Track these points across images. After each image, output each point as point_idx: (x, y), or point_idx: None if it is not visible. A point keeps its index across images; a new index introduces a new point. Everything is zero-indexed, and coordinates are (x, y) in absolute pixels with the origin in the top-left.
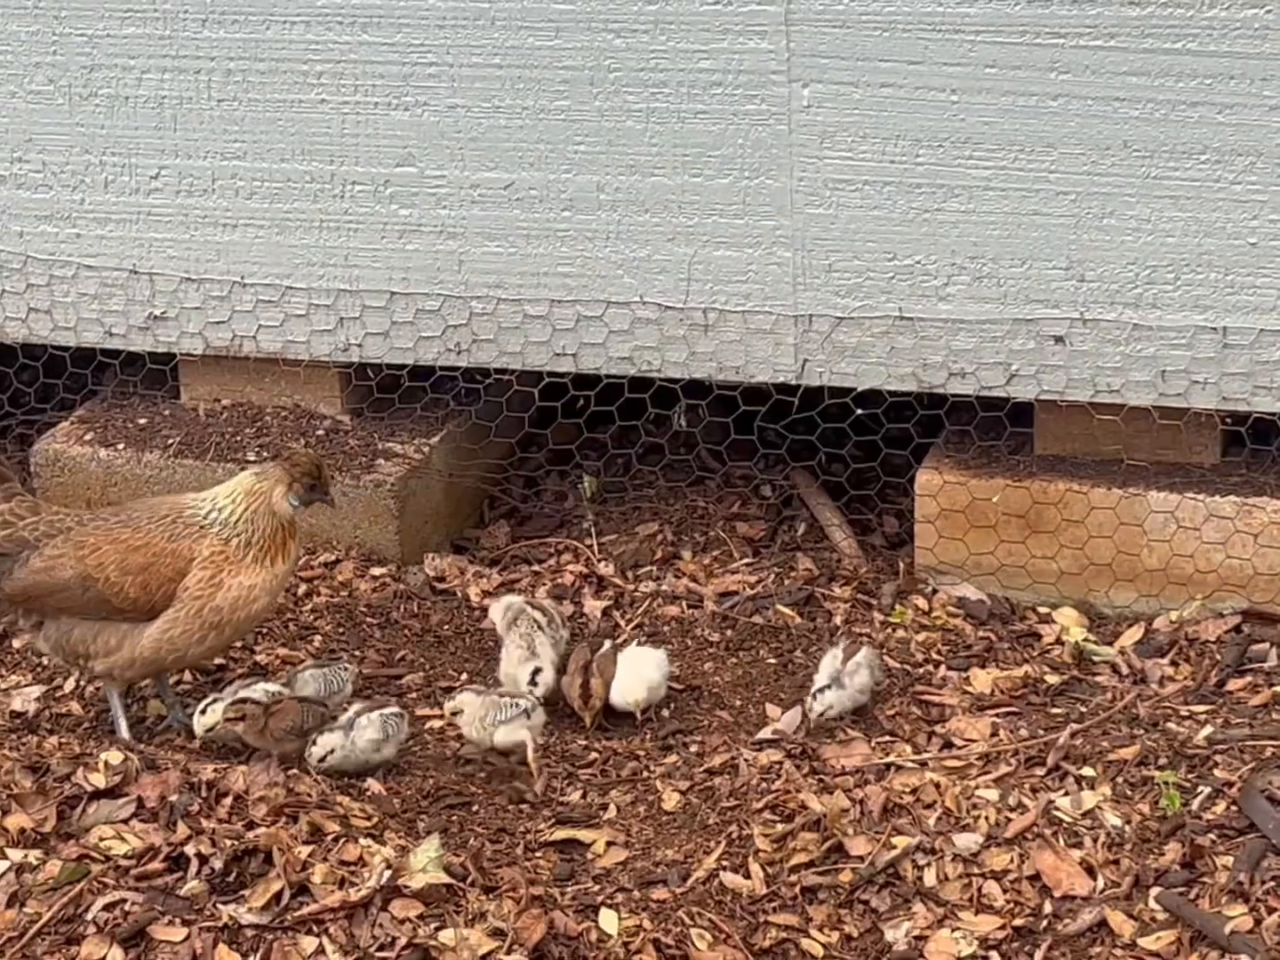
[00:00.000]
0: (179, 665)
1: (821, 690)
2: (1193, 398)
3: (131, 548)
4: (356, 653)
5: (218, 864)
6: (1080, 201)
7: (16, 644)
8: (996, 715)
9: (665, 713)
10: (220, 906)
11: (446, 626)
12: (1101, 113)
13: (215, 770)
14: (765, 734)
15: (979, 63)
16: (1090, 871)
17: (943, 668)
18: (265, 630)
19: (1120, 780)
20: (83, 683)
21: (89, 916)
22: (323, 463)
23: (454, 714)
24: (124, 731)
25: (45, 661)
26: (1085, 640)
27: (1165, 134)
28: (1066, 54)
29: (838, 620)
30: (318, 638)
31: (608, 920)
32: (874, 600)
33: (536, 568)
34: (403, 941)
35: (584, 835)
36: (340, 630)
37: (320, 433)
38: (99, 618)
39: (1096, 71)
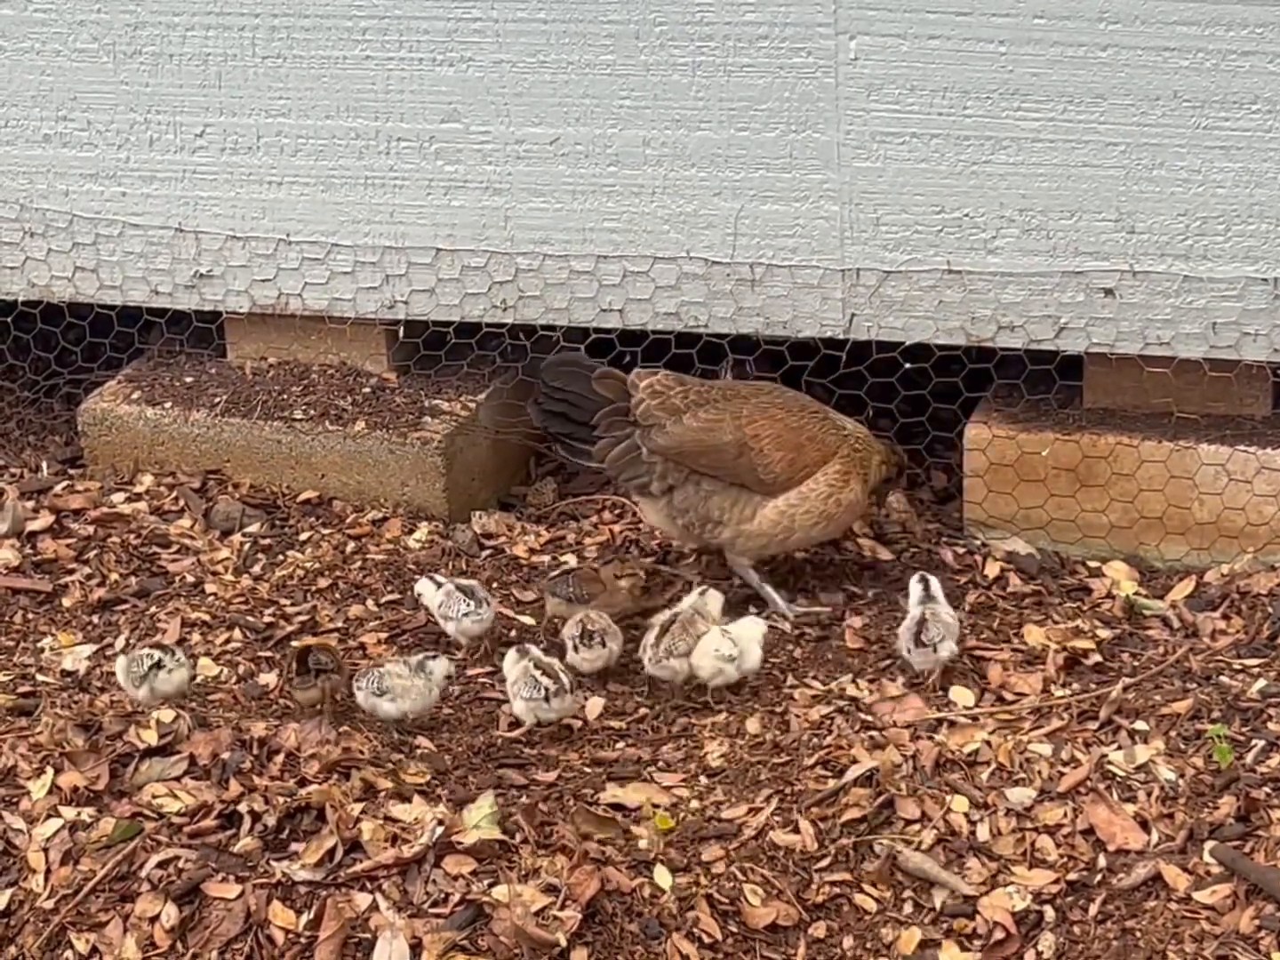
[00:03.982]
0: (782, 548)
1: None
2: (1244, 350)
3: (788, 427)
4: (407, 610)
5: (270, 821)
6: (1130, 153)
7: (645, 509)
8: (1048, 670)
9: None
10: (273, 863)
11: (495, 584)
12: (1151, 63)
13: (267, 728)
14: (816, 689)
15: (1028, 13)
16: (1144, 825)
17: (994, 622)
18: (314, 590)
19: (1173, 734)
20: (696, 549)
21: (143, 874)
22: (905, 466)
23: None
24: (781, 603)
25: (95, 620)
26: (1136, 594)
27: (1216, 84)
28: (1116, 4)
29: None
30: (369, 596)
31: (661, 876)
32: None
33: (583, 524)
34: (456, 898)
35: (635, 791)
36: (390, 588)
37: (367, 390)
38: (735, 484)
39: (1146, 21)
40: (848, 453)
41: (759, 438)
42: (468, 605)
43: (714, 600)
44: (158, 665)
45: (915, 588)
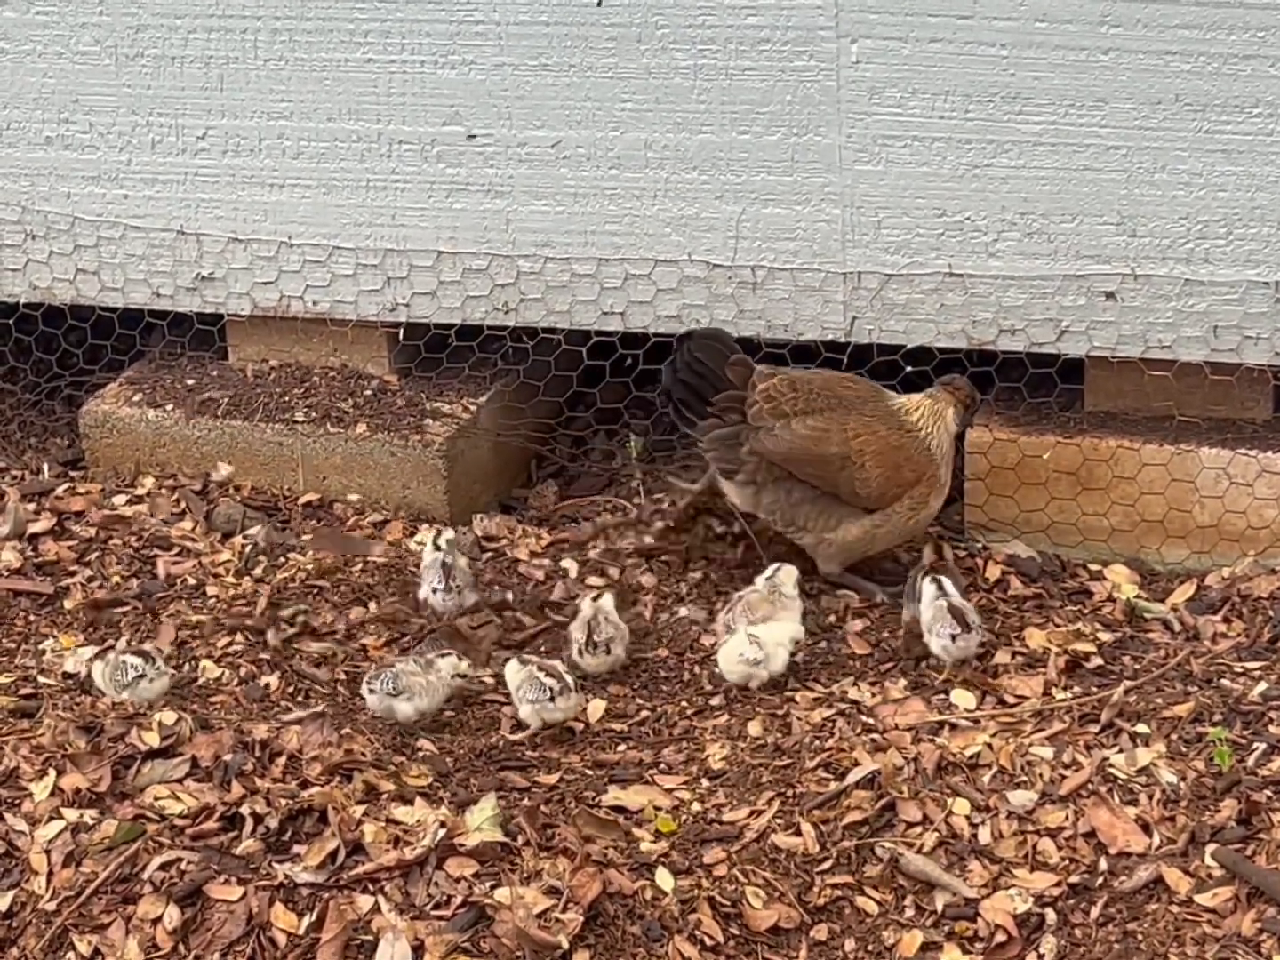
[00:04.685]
0: (858, 559)
1: None
2: (1245, 353)
3: (891, 445)
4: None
5: (272, 823)
6: (1131, 156)
7: (729, 489)
8: (1049, 673)
9: (717, 670)
10: (275, 865)
11: (496, 586)
12: (1153, 67)
13: (269, 730)
14: (818, 691)
15: (1029, 17)
16: (1146, 828)
17: (995, 625)
18: (316, 591)
19: (1175, 737)
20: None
21: (145, 875)
22: (976, 392)
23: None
24: (874, 589)
25: (89, 618)
26: (1137, 597)
27: (1217, 88)
28: (1117, 7)
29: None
30: (370, 599)
31: (663, 879)
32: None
33: (584, 526)
34: (458, 900)
35: (637, 794)
36: (391, 590)
37: (368, 393)
38: (830, 494)
39: (1148, 25)
40: (930, 473)
41: (862, 453)
42: (438, 582)
43: (787, 575)
44: (140, 675)
45: (929, 588)
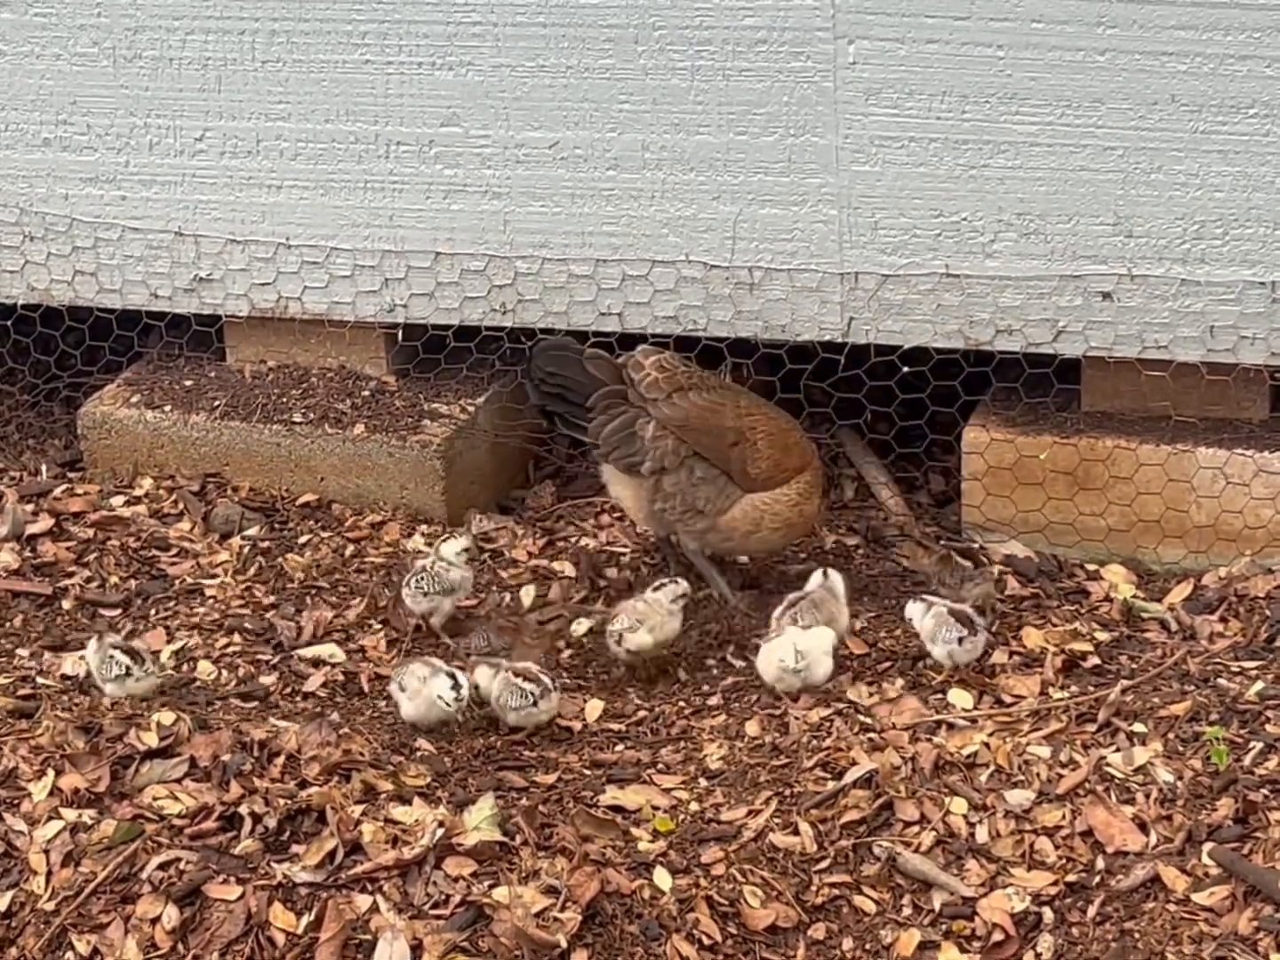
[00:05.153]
0: (742, 546)
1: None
2: (1241, 353)
3: (782, 429)
4: (409, 616)
5: (271, 823)
6: (1128, 157)
7: (622, 487)
8: (1046, 672)
9: (715, 671)
10: (274, 865)
11: (494, 587)
12: (1149, 67)
13: (267, 730)
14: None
15: (1026, 17)
16: (1143, 827)
17: (992, 625)
18: (314, 591)
19: (1172, 736)
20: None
21: (144, 875)
22: None
23: None
24: (728, 591)
25: (95, 623)
26: (1134, 597)
27: (1213, 88)
28: (1114, 8)
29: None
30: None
31: (661, 878)
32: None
33: (583, 527)
34: (456, 899)
35: (635, 794)
36: (389, 591)
37: (366, 394)
38: (719, 469)
39: (1144, 25)
40: (818, 465)
41: (754, 430)
42: (408, 578)
43: (837, 580)
44: (126, 674)
45: (917, 607)
